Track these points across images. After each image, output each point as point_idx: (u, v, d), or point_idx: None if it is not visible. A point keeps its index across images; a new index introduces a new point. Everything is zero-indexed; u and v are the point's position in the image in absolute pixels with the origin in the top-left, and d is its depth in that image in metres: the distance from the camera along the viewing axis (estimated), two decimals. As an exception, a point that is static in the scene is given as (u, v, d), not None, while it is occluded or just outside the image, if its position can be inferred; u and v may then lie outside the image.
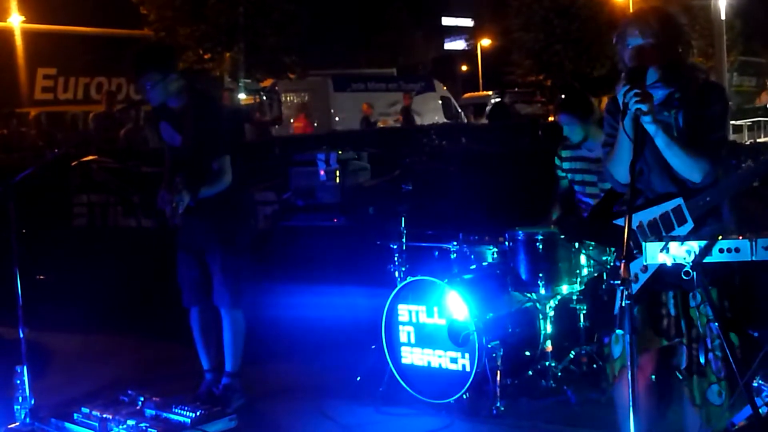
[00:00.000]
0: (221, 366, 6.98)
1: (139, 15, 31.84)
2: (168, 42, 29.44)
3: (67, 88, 28.11)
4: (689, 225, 4.31)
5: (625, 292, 3.73)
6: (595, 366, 6.86)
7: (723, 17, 29.63)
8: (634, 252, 4.38)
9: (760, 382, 5.53)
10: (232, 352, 6.89)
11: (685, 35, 4.48)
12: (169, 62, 6.71)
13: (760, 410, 5.17)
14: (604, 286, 4.98)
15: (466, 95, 45.46)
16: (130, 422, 5.97)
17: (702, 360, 4.47)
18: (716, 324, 4.38)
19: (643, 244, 4.00)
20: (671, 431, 4.98)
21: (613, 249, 5.67)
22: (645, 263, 4.19)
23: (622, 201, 4.71)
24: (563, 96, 7.86)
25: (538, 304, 6.93)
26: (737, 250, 3.87)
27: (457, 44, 69.33)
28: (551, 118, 28.27)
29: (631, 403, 3.78)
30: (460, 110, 32.93)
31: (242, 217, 6.91)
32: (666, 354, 4.59)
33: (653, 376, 4.70)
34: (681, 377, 4.56)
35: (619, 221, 4.49)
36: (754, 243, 3.84)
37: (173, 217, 6.47)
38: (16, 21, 28.95)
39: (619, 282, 3.71)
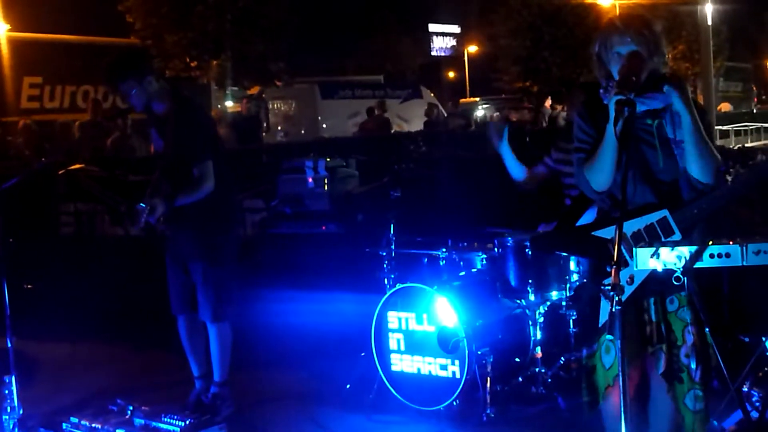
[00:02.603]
0: (211, 373, 6.97)
1: (125, 23, 31.78)
2: (154, 50, 29.46)
3: (54, 97, 28.04)
4: (677, 237, 4.23)
5: (616, 298, 3.73)
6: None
7: (709, 23, 29.67)
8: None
9: (750, 387, 5.55)
10: (219, 362, 6.88)
11: (663, 46, 4.46)
12: (142, 65, 6.71)
13: (750, 415, 5.20)
14: (584, 298, 4.92)
15: (453, 102, 45.45)
16: (119, 431, 5.96)
17: (682, 365, 4.43)
18: (694, 328, 4.39)
19: (634, 250, 3.98)
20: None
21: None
22: (632, 273, 4.17)
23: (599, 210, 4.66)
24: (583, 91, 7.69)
25: (527, 311, 6.93)
26: (728, 255, 3.86)
27: (443, 42, 69.47)
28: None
29: (622, 411, 3.78)
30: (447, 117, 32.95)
31: (226, 227, 6.87)
32: (647, 362, 4.57)
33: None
34: (666, 383, 4.54)
35: (600, 232, 4.41)
36: (744, 248, 3.83)
37: (135, 224, 6.44)
38: (1, 30, 28.86)
39: (609, 288, 3.71)
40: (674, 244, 3.94)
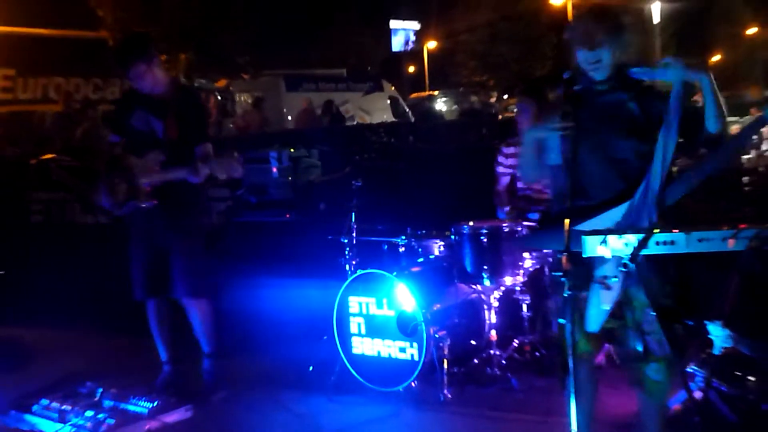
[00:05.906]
0: (179, 357, 7.13)
1: (96, 17, 31.76)
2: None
3: (27, 89, 27.92)
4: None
5: (568, 284, 3.93)
6: (537, 354, 7.08)
7: (657, 20, 29.96)
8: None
9: (694, 368, 5.76)
10: (206, 336, 7.00)
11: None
12: (152, 46, 6.81)
13: (694, 395, 5.43)
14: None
15: (413, 95, 45.55)
16: (89, 413, 6.10)
17: (642, 341, 4.61)
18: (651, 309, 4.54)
19: (583, 237, 4.06)
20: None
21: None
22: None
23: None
24: (524, 83, 7.98)
25: (483, 296, 7.09)
26: (673, 242, 3.95)
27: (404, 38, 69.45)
28: (500, 117, 28.49)
29: (572, 388, 4.00)
30: (407, 109, 33.09)
31: (202, 210, 7.00)
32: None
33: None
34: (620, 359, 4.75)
35: (582, 226, 4.43)
36: (688, 236, 3.99)
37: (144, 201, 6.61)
38: (-25, 23, 28.64)
39: (561, 274, 3.92)
40: (622, 232, 4.09)
